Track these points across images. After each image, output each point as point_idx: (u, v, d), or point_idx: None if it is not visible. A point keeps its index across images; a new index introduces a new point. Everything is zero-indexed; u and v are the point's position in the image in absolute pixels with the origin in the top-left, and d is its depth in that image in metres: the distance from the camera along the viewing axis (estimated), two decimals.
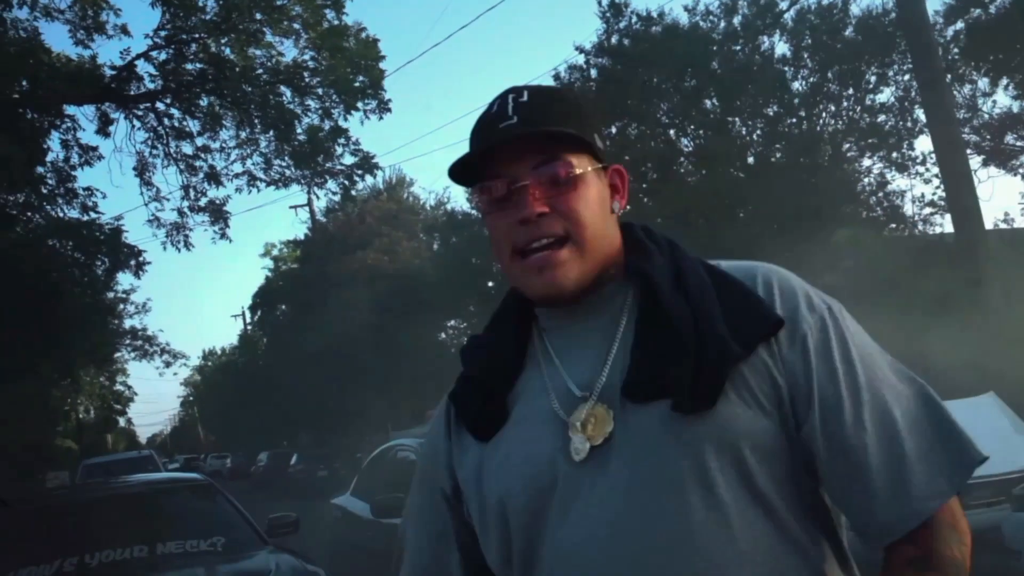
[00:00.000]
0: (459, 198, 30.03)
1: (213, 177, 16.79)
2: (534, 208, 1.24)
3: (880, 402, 1.17)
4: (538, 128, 1.24)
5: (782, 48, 17.04)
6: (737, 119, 17.17)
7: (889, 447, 1.15)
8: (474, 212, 22.94)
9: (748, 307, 1.21)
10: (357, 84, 15.54)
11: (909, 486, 1.13)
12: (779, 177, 16.08)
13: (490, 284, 24.86)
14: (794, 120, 17.04)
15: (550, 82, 17.66)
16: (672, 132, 17.76)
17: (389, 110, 15.60)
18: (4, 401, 24.21)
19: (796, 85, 17.08)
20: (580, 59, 17.87)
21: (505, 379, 1.33)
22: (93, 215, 16.69)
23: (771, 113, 16.99)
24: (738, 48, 16.60)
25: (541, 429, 1.26)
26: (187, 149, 16.81)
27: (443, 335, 32.32)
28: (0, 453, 27.35)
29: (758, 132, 17.28)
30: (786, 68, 16.70)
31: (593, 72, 17.59)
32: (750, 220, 17.06)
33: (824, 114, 17.27)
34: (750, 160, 17.11)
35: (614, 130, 17.87)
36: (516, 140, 1.25)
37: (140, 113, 16.50)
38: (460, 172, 1.32)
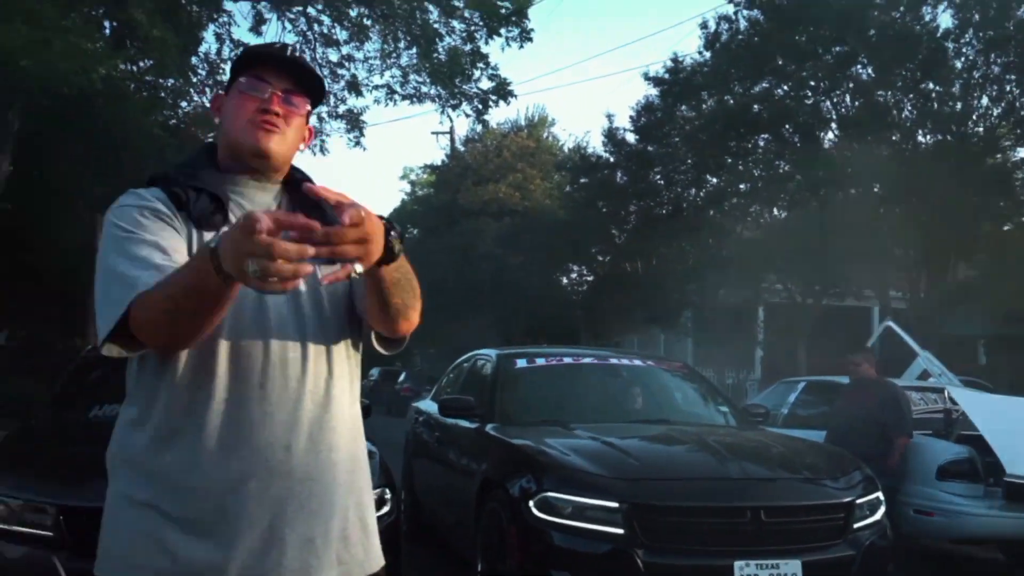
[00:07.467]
0: (598, 144, 29.78)
1: (354, 86, 17.20)
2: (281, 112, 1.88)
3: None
4: (311, 71, 1.93)
5: (946, 21, 16.16)
6: (888, 92, 16.44)
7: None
8: (607, 156, 22.68)
9: None
10: (503, 10, 15.56)
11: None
12: (927, 158, 15.42)
13: (614, 232, 24.46)
14: (951, 102, 16.20)
15: (696, 30, 17.58)
16: (819, 97, 17.17)
17: (531, 39, 15.58)
18: None
19: (957, 63, 16.18)
20: (730, 9, 17.52)
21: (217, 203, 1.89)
22: None
23: (927, 88, 16.17)
24: (898, 15, 15.79)
25: None
26: (332, 56, 17.25)
27: (565, 280, 32.18)
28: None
29: (908, 109, 16.51)
30: (948, 43, 15.80)
31: (742, 24, 17.20)
32: (887, 199, 16.42)
33: (985, 97, 16.34)
34: (894, 137, 16.37)
35: (758, 88, 17.40)
36: (298, 68, 1.90)
37: (292, 16, 16.97)
38: (243, 60, 1.92)
